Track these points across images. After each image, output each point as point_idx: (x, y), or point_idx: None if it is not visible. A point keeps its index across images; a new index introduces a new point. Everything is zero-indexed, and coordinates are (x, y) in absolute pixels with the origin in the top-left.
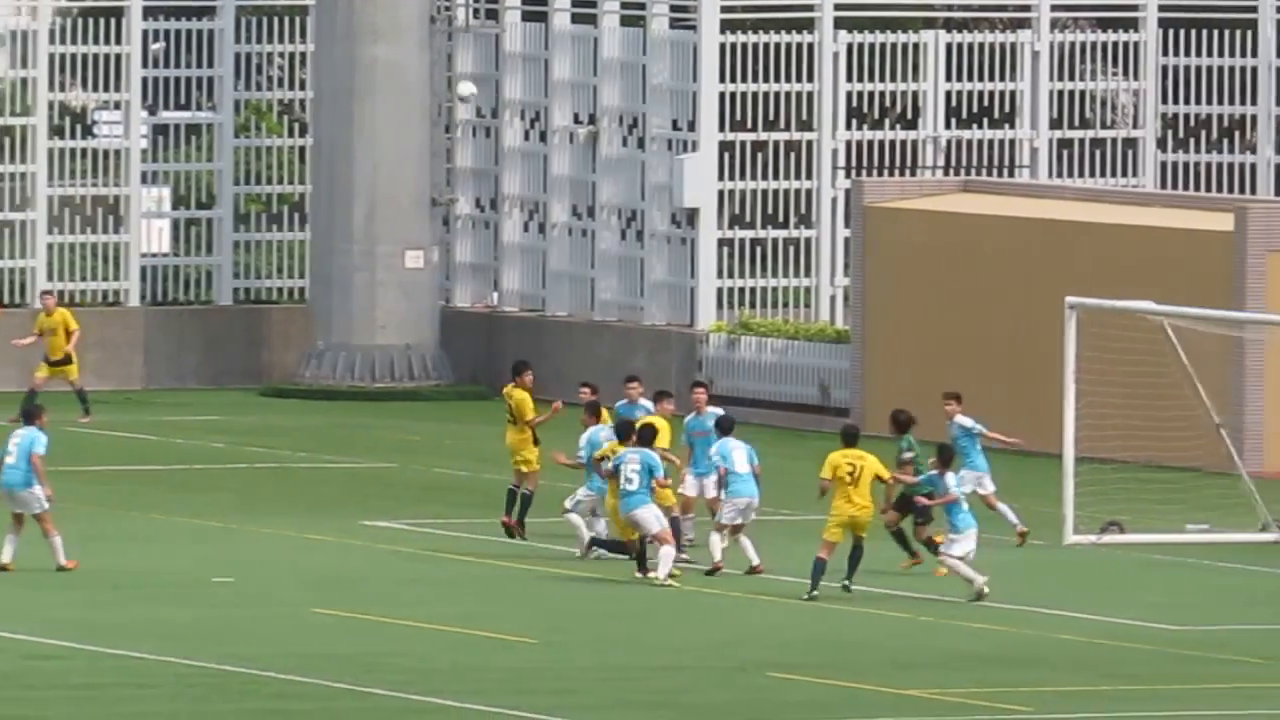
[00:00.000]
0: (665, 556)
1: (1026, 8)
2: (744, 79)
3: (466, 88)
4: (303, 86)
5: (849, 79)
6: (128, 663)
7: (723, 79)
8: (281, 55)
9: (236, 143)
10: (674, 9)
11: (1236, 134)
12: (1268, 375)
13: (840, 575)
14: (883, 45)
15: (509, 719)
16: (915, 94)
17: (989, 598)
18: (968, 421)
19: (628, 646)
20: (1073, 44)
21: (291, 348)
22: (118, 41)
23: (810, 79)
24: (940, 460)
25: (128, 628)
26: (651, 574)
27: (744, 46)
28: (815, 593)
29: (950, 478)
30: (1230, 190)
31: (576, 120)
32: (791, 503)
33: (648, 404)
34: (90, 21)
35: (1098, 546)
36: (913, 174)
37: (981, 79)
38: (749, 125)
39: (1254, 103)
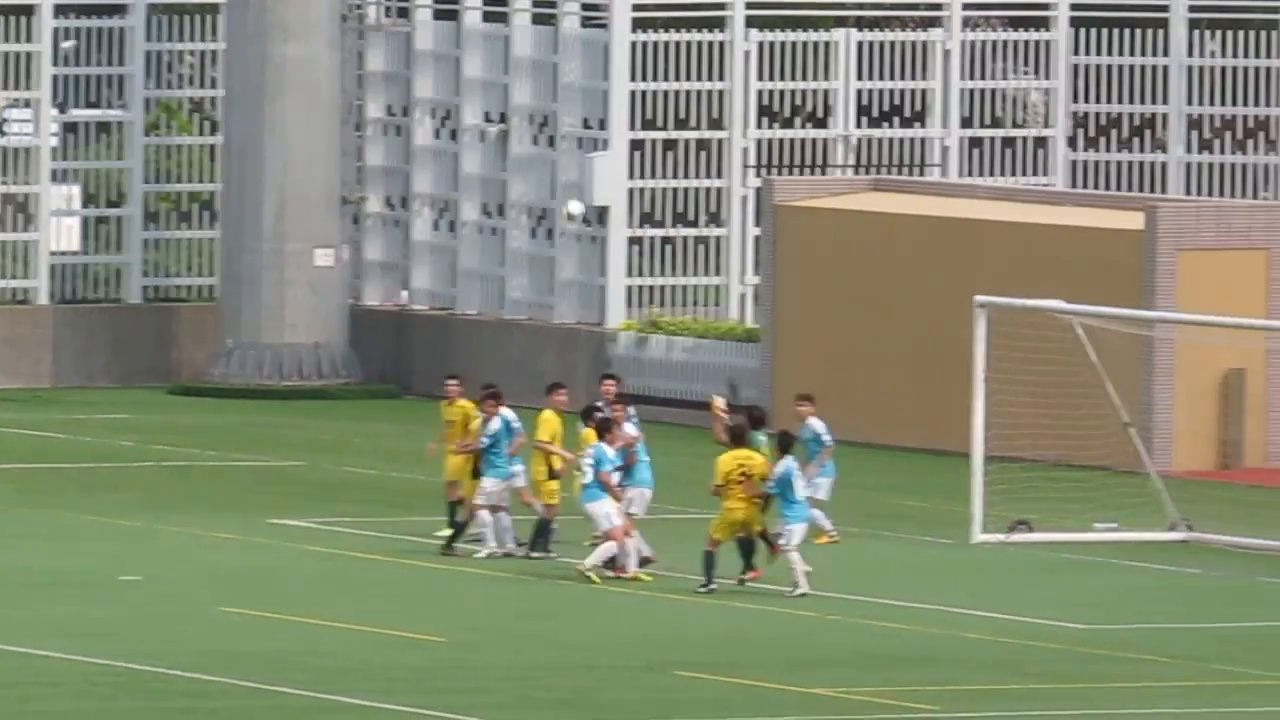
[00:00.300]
0: (602, 551)
1: (938, 6)
2: (655, 77)
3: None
4: (213, 85)
5: (760, 78)
6: (34, 661)
7: (633, 77)
8: (192, 53)
9: (147, 141)
10: (585, 7)
11: (1147, 133)
12: (1177, 374)
13: (736, 571)
14: (794, 44)
15: (418, 718)
16: (826, 93)
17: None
18: (820, 427)
19: (537, 645)
20: (984, 43)
21: (201, 346)
22: (28, 39)
23: (721, 78)
24: (779, 447)
25: (34, 626)
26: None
27: (655, 45)
28: (712, 585)
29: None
30: (1140, 189)
31: (487, 118)
32: (700, 502)
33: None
34: (0, 19)
35: (1006, 545)
36: (823, 173)
37: (892, 78)
38: (659, 124)
39: (1165, 102)
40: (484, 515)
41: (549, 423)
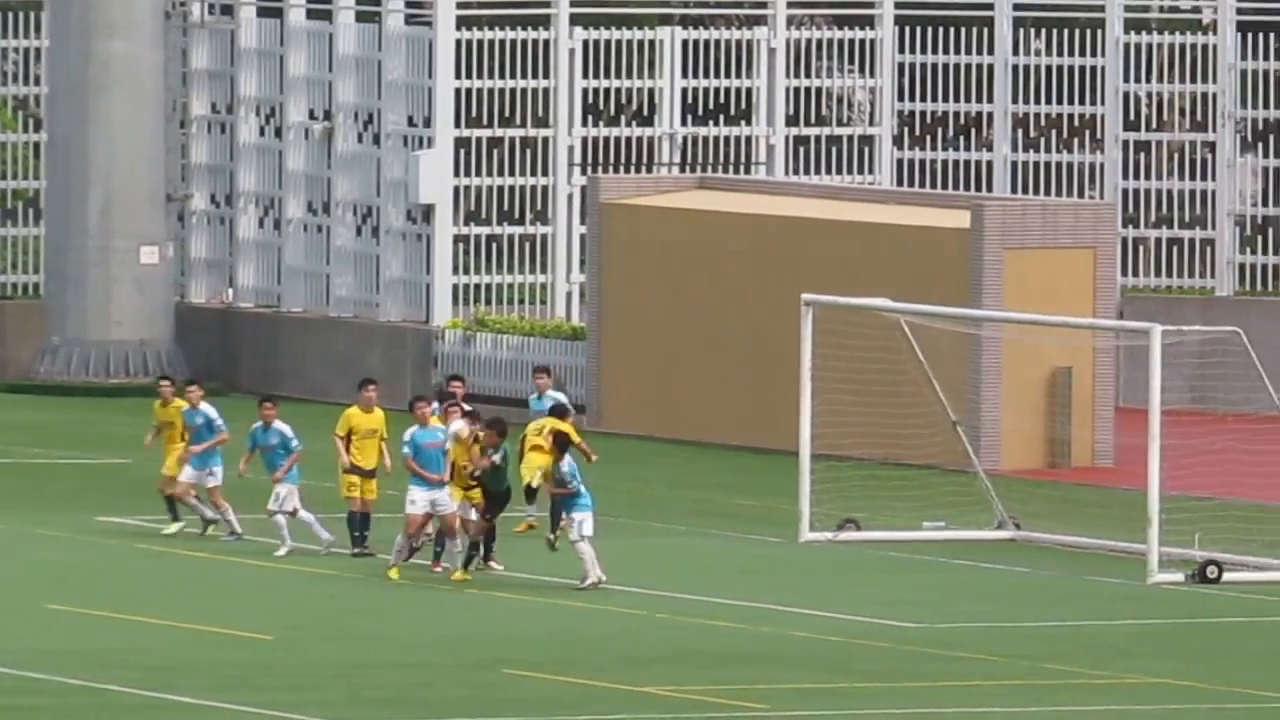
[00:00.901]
0: (455, 555)
1: (763, 4)
2: (480, 75)
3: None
4: (38, 81)
5: (585, 75)
6: None
7: (458, 75)
8: (16, 50)
9: None
10: (410, 5)
11: (973, 131)
12: (1004, 373)
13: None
14: (619, 42)
15: (245, 715)
16: (651, 91)
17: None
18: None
19: (365, 643)
20: (809, 41)
21: (26, 343)
22: None
23: (546, 75)
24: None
25: None
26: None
27: (480, 43)
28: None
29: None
30: (967, 188)
31: (312, 116)
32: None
33: (557, 394)
34: None
35: (834, 544)
36: (649, 171)
37: (718, 76)
38: (485, 122)
39: (990, 100)
40: (279, 519)
41: (349, 419)
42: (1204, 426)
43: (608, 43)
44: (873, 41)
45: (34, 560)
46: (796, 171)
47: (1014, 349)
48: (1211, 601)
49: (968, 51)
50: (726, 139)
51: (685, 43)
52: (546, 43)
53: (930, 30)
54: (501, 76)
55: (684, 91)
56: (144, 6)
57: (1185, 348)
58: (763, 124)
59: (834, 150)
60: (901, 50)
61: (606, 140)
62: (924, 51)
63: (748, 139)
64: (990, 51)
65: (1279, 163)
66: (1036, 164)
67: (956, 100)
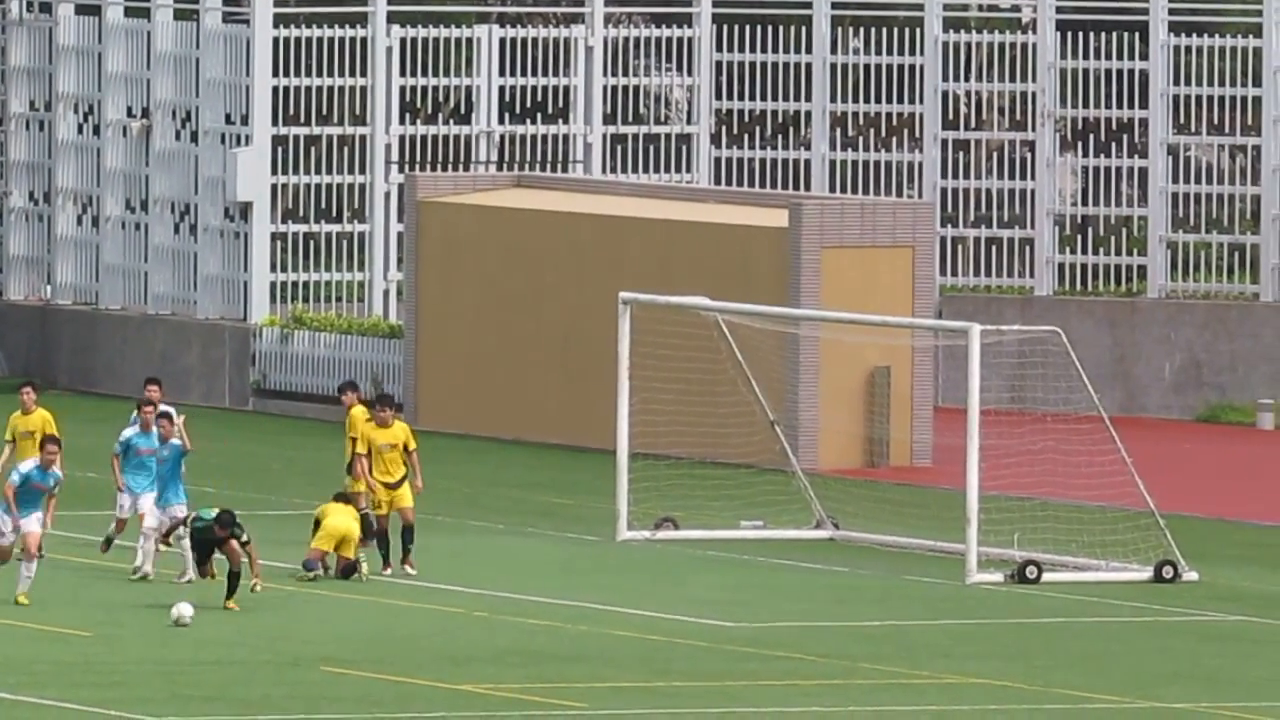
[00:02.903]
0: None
1: (580, 3)
2: (297, 73)
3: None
4: None
5: (403, 74)
6: None
7: (276, 73)
8: None
9: None
10: (226, 2)
11: (791, 130)
12: (822, 372)
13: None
14: (436, 40)
15: (61, 712)
16: (469, 89)
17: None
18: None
19: (181, 640)
20: (626, 39)
21: None
22: None
23: (364, 74)
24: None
25: None
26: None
27: (297, 40)
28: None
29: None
30: (784, 186)
31: (130, 114)
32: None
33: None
34: None
35: (651, 542)
36: (466, 169)
37: (535, 74)
38: (302, 120)
39: (809, 99)
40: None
41: (366, 436)
42: (1023, 426)
43: (425, 41)
44: (690, 40)
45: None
46: (614, 170)
47: (832, 348)
48: (1030, 601)
49: (786, 50)
50: (544, 137)
51: (503, 41)
52: (364, 41)
53: (748, 28)
54: (319, 74)
55: (501, 90)
56: None
57: (1004, 347)
58: (580, 122)
59: (652, 149)
60: (719, 49)
61: (424, 138)
62: (742, 50)
63: (565, 137)
64: (809, 50)
65: (1098, 162)
66: (855, 163)
67: (774, 99)
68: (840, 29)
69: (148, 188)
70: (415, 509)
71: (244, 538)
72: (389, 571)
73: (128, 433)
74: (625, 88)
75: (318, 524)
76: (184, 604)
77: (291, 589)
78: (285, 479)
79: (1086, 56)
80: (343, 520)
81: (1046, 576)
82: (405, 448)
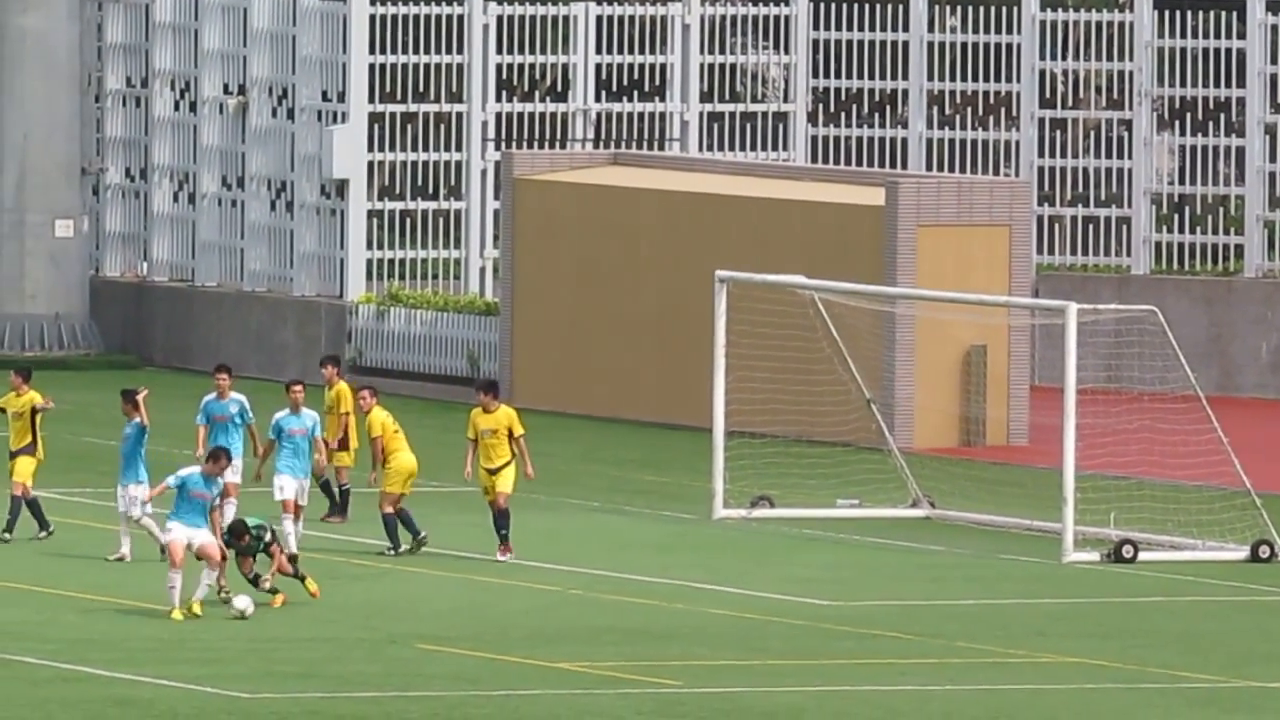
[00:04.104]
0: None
1: None
2: (394, 50)
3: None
4: None
5: (499, 51)
6: None
7: (372, 50)
8: None
9: None
10: None
11: (888, 108)
12: (919, 351)
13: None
14: (533, 17)
15: (156, 689)
16: (565, 66)
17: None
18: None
19: (276, 617)
20: (723, 17)
21: None
22: None
23: (460, 51)
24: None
25: None
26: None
27: (394, 18)
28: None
29: None
30: (881, 165)
31: (226, 90)
32: (441, 474)
33: (312, 412)
34: None
35: (747, 521)
36: (563, 146)
37: (632, 52)
38: (399, 97)
39: (905, 77)
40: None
41: (473, 420)
42: (1119, 406)
43: (521, 18)
44: (787, 18)
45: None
46: (710, 148)
47: (928, 327)
48: (1126, 581)
49: (883, 28)
50: (640, 115)
51: (599, 19)
52: (461, 18)
53: (846, 6)
54: (415, 52)
55: (598, 67)
56: None
57: (1101, 326)
58: (677, 100)
59: (748, 127)
60: (816, 27)
61: (520, 116)
62: (839, 28)
63: (662, 115)
64: (906, 28)
65: (1195, 141)
66: (951, 141)
67: (871, 77)
68: (938, 7)
69: (244, 165)
70: (515, 489)
71: (267, 538)
72: (393, 552)
73: (278, 415)
74: (722, 65)
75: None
76: (243, 596)
77: (387, 566)
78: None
79: (1184, 35)
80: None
81: (1142, 556)
82: (510, 434)
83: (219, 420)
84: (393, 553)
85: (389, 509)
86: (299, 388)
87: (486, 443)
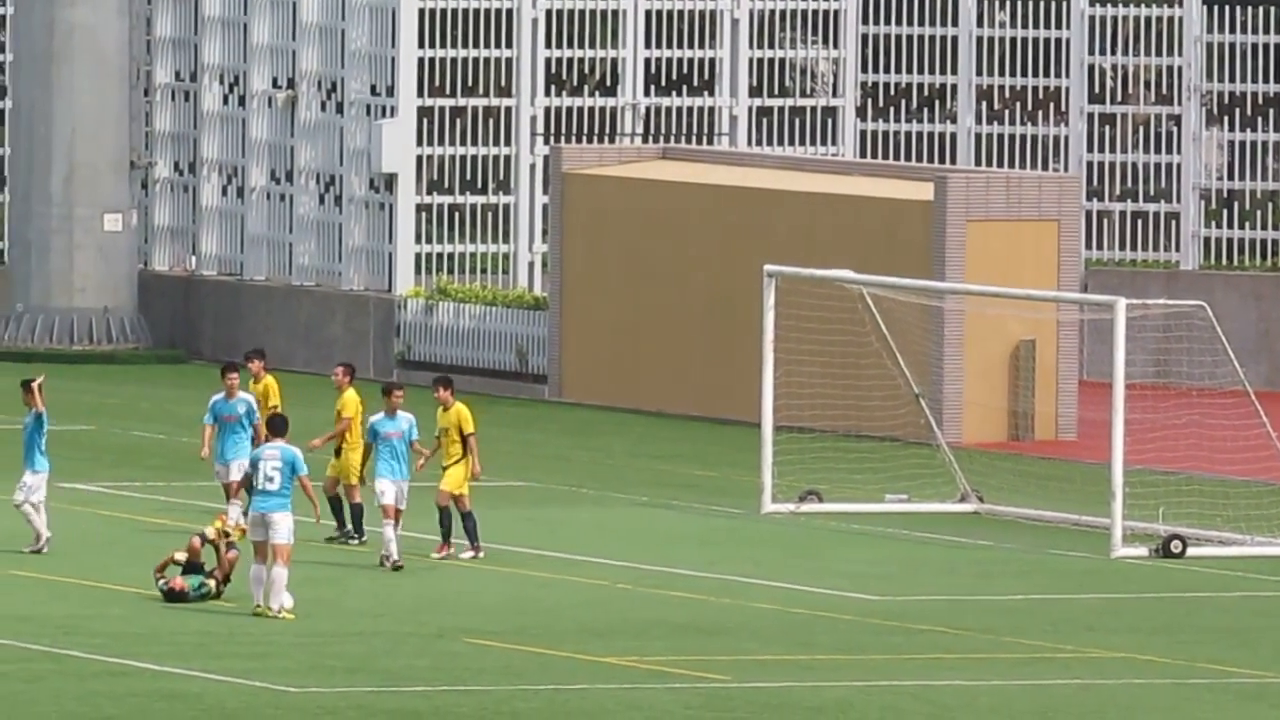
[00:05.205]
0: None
1: None
2: (443, 44)
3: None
4: (1, 49)
5: (548, 45)
6: None
7: (421, 44)
8: None
9: None
10: None
11: (937, 103)
12: (967, 346)
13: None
14: (582, 11)
15: (204, 682)
16: (614, 61)
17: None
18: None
19: (325, 611)
20: (772, 11)
21: None
22: None
23: (509, 45)
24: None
25: None
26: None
27: (443, 11)
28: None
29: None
30: (930, 159)
31: (275, 84)
32: (488, 469)
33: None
34: None
35: (796, 515)
36: (612, 141)
37: (681, 46)
38: (448, 91)
39: (954, 72)
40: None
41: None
42: (1168, 401)
43: (571, 12)
44: (836, 12)
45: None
46: (759, 142)
47: (977, 322)
48: (1175, 576)
49: (932, 23)
50: (689, 110)
51: (649, 13)
52: (510, 12)
53: (895, 1)
54: (464, 46)
55: (647, 62)
56: None
57: (1149, 321)
58: (726, 95)
59: (797, 121)
60: (865, 21)
61: (569, 110)
62: (888, 22)
63: (711, 110)
64: (955, 23)
65: (1244, 136)
66: (1000, 136)
67: (920, 72)
68: (986, 2)
69: (293, 159)
70: (470, 497)
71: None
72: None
73: (374, 419)
74: (771, 60)
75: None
76: (287, 594)
77: (436, 560)
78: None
79: (1233, 30)
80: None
81: (1191, 551)
82: (461, 432)
83: (227, 420)
84: (357, 541)
85: (358, 499)
86: (400, 392)
87: (443, 441)
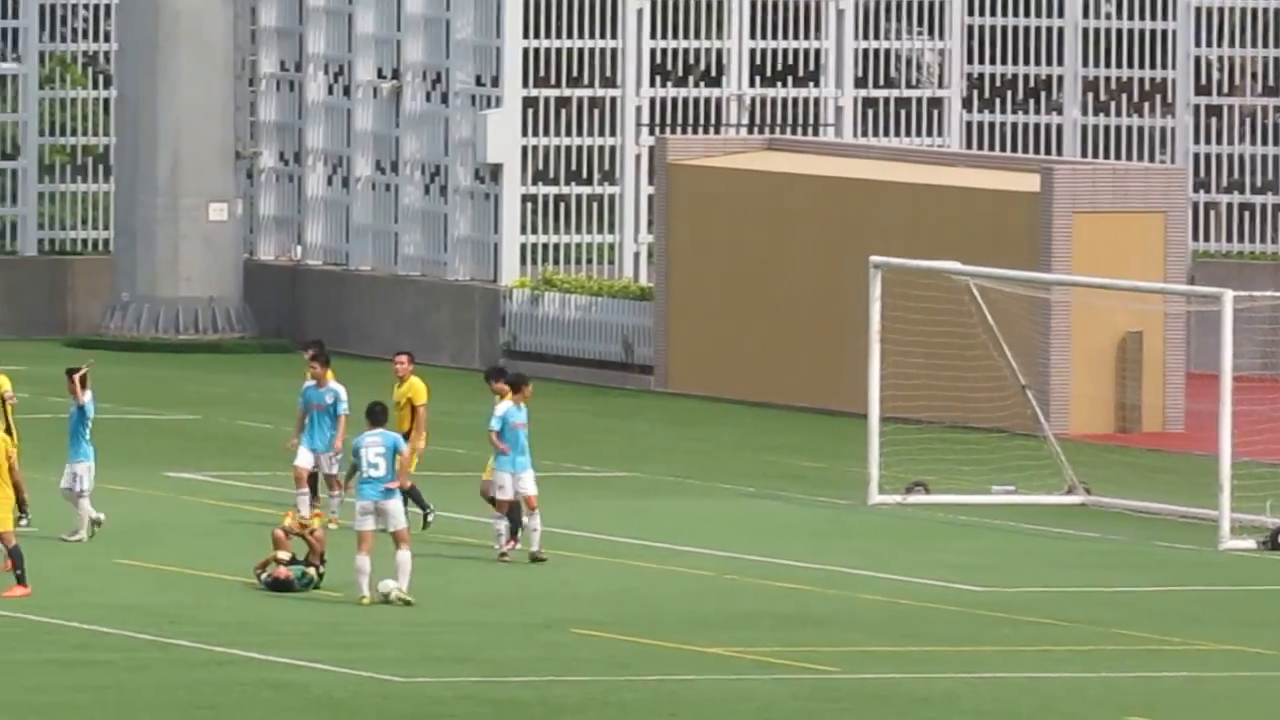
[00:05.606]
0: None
1: None
2: (548, 35)
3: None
4: (108, 39)
5: (653, 36)
6: None
7: (527, 34)
8: (86, 7)
9: (41, 94)
10: None
11: (1043, 94)
12: (1074, 337)
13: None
14: (687, 2)
15: (310, 672)
16: (720, 51)
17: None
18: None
19: (432, 602)
20: (878, 2)
21: (96, 299)
22: None
23: (614, 35)
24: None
25: None
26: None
27: (548, 2)
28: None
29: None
30: (1036, 151)
31: (380, 75)
32: (595, 460)
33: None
34: None
35: (902, 507)
36: (717, 131)
37: (786, 37)
38: (553, 81)
39: (1060, 63)
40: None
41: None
42: (1275, 392)
43: (675, 3)
44: (942, 3)
45: (104, 515)
46: (865, 133)
47: (1084, 313)
48: None
49: (1038, 14)
50: (794, 100)
51: (754, 3)
52: (615, 2)
53: None
54: (570, 36)
55: (752, 52)
56: None
57: (1257, 313)
58: (831, 85)
59: (902, 112)
60: (971, 12)
61: (674, 101)
62: (994, 13)
63: (816, 100)
64: (1060, 14)
65: None
66: (1106, 128)
67: (1026, 63)
68: None
69: (398, 149)
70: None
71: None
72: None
73: (503, 408)
74: (877, 51)
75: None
76: (391, 580)
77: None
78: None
79: None
80: None
81: None
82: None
83: (316, 409)
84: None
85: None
86: (528, 387)
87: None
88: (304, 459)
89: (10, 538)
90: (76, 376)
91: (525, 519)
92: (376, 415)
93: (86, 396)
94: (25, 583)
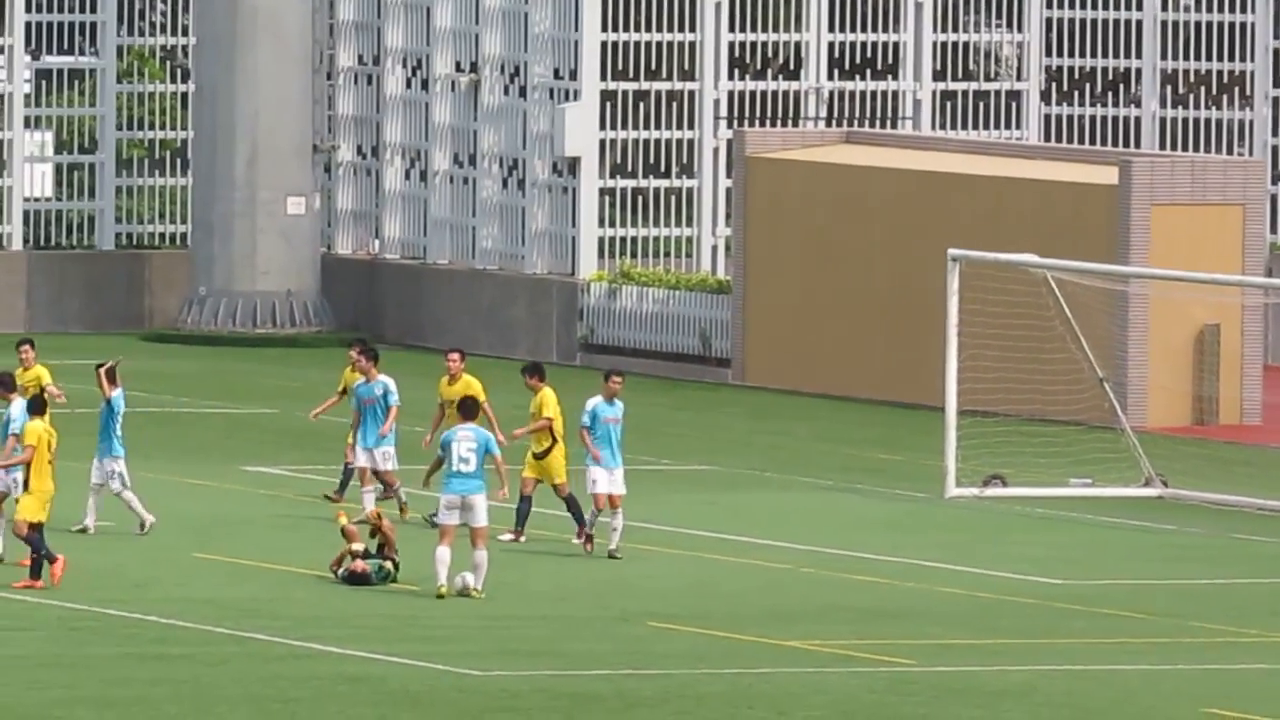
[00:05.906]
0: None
1: None
2: (626, 28)
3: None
4: (185, 33)
5: (731, 29)
6: (10, 605)
7: (605, 28)
8: (164, 1)
9: (119, 88)
10: None
11: (1121, 87)
12: (1151, 330)
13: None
14: None
15: (387, 665)
16: (798, 45)
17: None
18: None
19: (509, 595)
20: None
21: (173, 293)
22: None
23: (692, 29)
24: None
25: (9, 570)
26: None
27: None
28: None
29: None
30: (1114, 144)
31: (458, 68)
32: (673, 453)
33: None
34: None
35: (980, 499)
36: (795, 125)
37: (864, 30)
38: (631, 75)
39: (1139, 56)
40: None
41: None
42: None
43: None
44: None
45: (180, 510)
46: (943, 126)
47: (1161, 306)
48: None
49: (1116, 7)
50: (873, 93)
51: None
52: None
53: None
54: (648, 29)
55: (830, 46)
56: None
57: None
58: (909, 79)
59: (981, 105)
60: (1049, 5)
61: (752, 94)
62: (1072, 6)
63: (894, 94)
64: (1139, 7)
65: None
66: (1185, 120)
67: (1105, 56)
68: None
69: (476, 142)
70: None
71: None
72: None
73: (593, 402)
74: (955, 44)
75: None
76: (468, 573)
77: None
78: None
79: None
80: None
81: None
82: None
83: (367, 403)
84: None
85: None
86: (619, 378)
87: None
88: (362, 459)
89: (23, 527)
90: (103, 371)
91: (606, 517)
92: (469, 409)
93: (115, 392)
94: (40, 576)
